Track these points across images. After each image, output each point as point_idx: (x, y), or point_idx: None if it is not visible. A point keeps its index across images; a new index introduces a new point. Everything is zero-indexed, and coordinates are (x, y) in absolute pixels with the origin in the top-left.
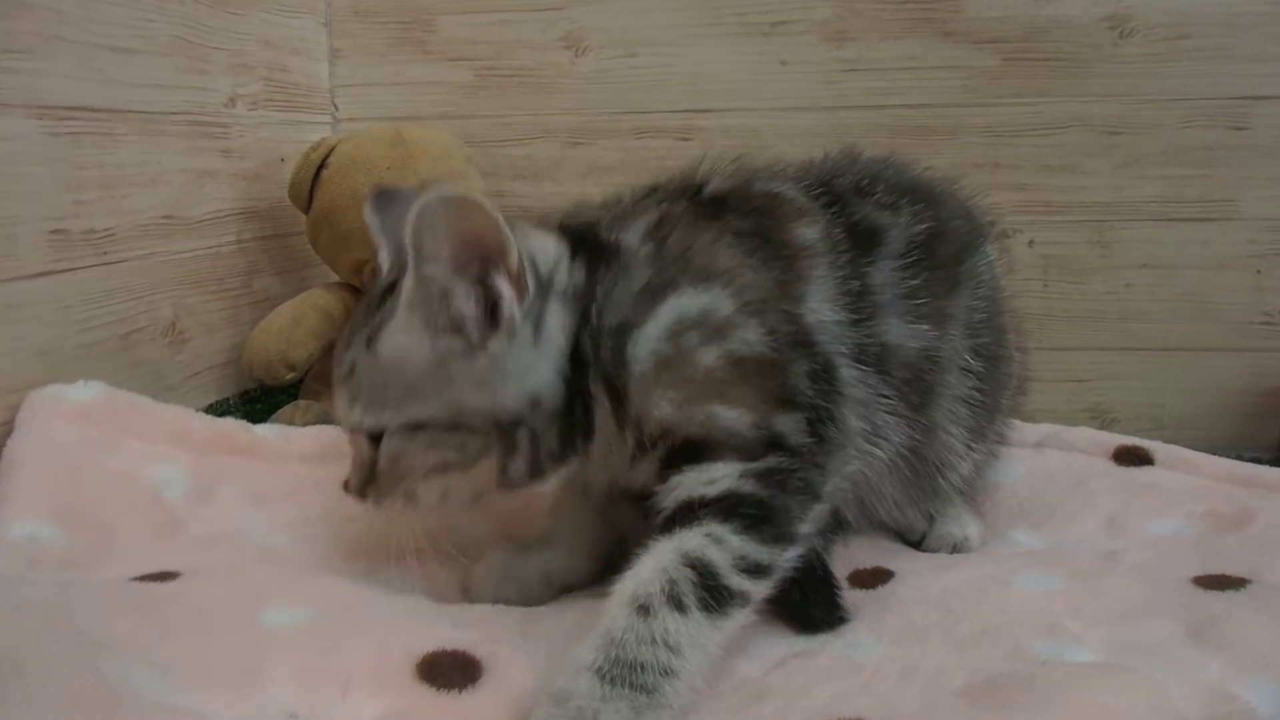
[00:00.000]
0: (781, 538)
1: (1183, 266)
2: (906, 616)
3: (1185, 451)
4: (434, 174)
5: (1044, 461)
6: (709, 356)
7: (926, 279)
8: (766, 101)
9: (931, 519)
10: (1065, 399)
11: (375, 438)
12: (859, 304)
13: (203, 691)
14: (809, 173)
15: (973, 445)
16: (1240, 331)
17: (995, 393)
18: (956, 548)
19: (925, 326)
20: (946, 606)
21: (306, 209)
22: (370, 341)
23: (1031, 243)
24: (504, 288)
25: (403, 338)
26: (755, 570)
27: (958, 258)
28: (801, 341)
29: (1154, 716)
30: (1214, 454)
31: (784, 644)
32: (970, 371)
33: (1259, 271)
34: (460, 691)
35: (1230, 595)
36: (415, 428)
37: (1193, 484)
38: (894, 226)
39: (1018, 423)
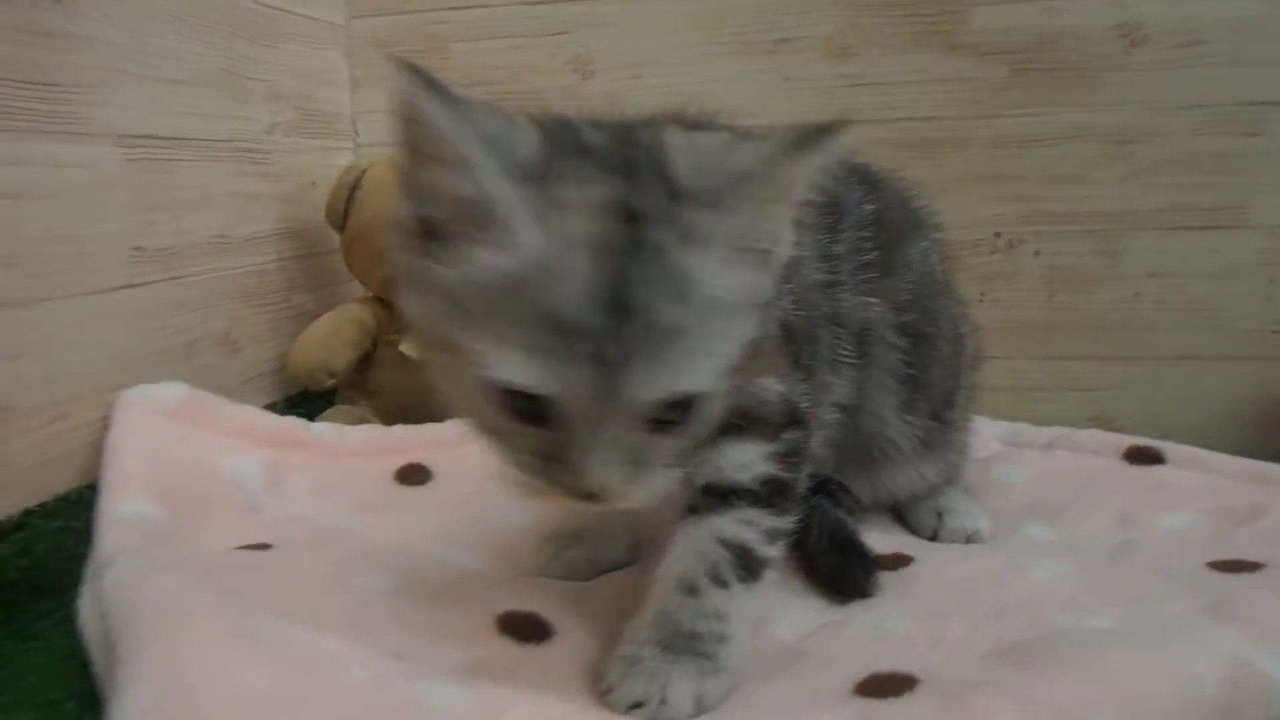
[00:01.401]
0: (795, 505)
1: (1192, 276)
2: (929, 596)
3: (1197, 450)
4: None
5: (1054, 462)
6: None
7: (871, 257)
8: (771, 117)
9: (939, 515)
10: (1071, 408)
11: (683, 405)
12: (832, 269)
13: (324, 634)
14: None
15: (906, 417)
16: (1249, 340)
17: (926, 369)
18: (969, 539)
19: (871, 300)
20: (965, 589)
21: (341, 228)
22: (693, 287)
23: (1037, 253)
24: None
25: (735, 274)
26: (778, 536)
27: (896, 242)
28: (807, 305)
29: (1176, 678)
30: None
31: (815, 615)
32: (896, 347)
33: (1270, 280)
34: (537, 645)
35: (1245, 577)
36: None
37: (1204, 481)
38: (850, 202)
39: (1026, 425)
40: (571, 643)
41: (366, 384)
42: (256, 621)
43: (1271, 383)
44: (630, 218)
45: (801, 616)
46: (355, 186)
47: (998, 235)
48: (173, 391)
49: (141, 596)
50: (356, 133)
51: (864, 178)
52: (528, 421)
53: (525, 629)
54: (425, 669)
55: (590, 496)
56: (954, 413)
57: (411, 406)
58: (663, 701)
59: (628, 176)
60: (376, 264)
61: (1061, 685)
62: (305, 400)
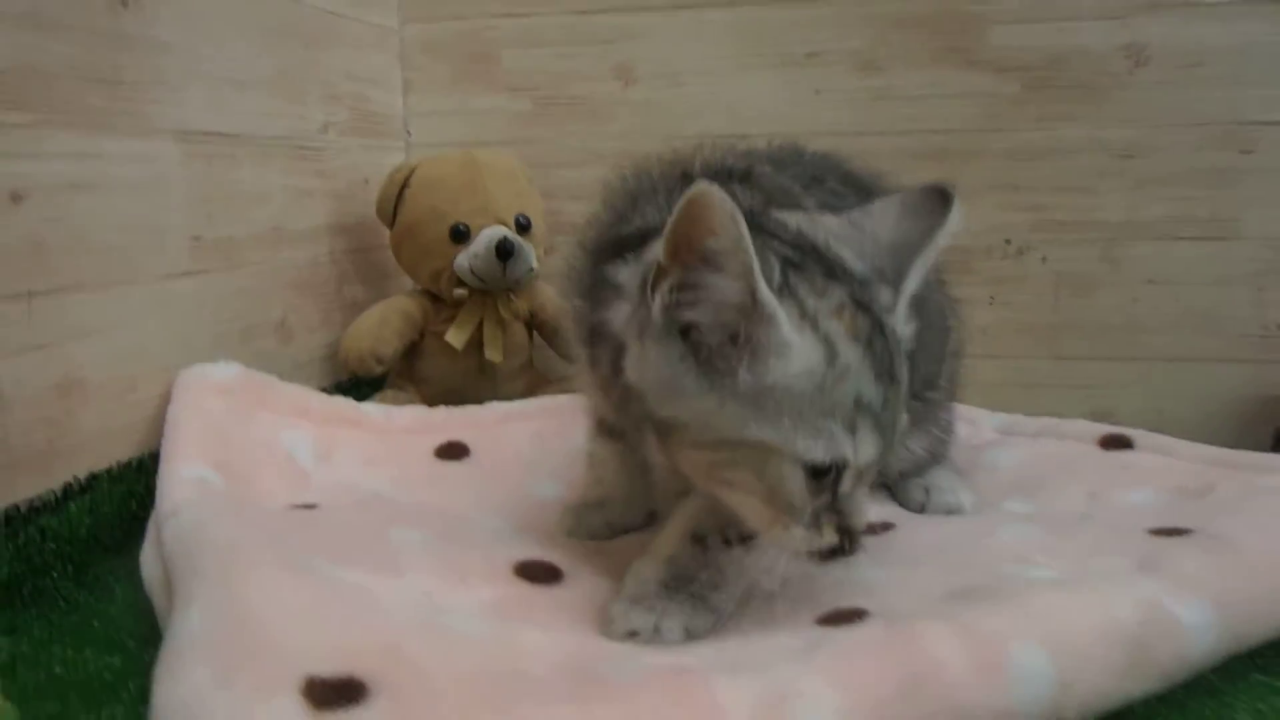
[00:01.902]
0: None
1: (1188, 282)
2: (903, 553)
3: (1163, 438)
4: (502, 194)
5: (1040, 448)
6: None
7: None
8: (801, 126)
9: (927, 491)
10: (1074, 404)
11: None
12: None
13: (365, 575)
14: (776, 158)
15: None
16: (1241, 344)
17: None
18: (952, 511)
19: None
20: (936, 547)
21: (391, 224)
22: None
23: (1045, 259)
24: None
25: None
26: None
27: None
28: None
29: (1094, 614)
30: None
31: (796, 568)
32: None
33: (1260, 288)
34: (549, 585)
35: (1176, 540)
36: None
37: (1167, 464)
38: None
39: (1021, 416)
40: (581, 585)
41: (414, 372)
42: (302, 560)
43: (1261, 382)
44: (863, 308)
45: (784, 570)
46: (405, 185)
47: (1008, 242)
48: (228, 370)
49: (199, 540)
50: (409, 133)
51: (858, 188)
52: (817, 488)
53: (539, 573)
54: (450, 604)
55: (854, 536)
56: (935, 394)
57: (456, 392)
58: (655, 630)
59: (830, 275)
60: (424, 258)
61: (995, 617)
62: (355, 387)
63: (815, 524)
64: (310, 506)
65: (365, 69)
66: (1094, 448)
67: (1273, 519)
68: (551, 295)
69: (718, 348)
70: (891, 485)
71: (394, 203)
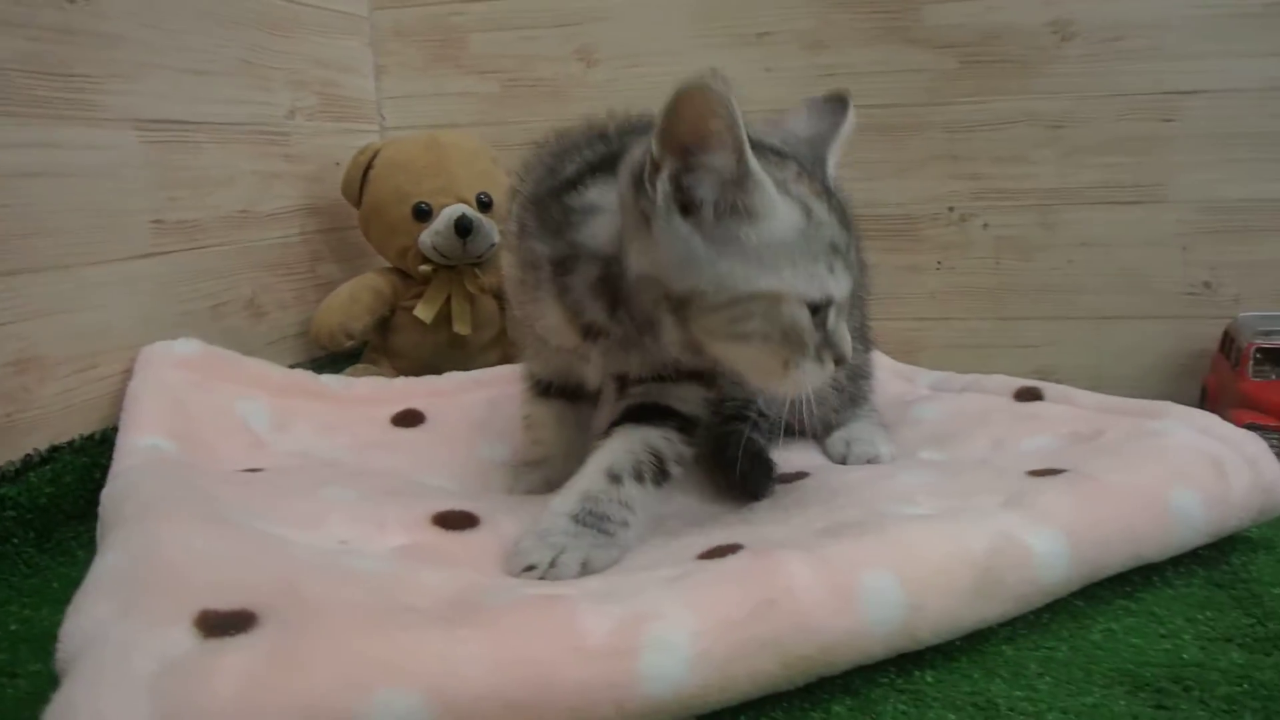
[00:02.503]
0: (698, 443)
1: (1119, 244)
2: (802, 497)
3: (1069, 389)
4: (464, 174)
5: (962, 402)
6: None
7: None
8: (753, 105)
9: (848, 443)
10: (1017, 363)
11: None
12: None
13: (284, 526)
14: None
15: None
16: (1168, 301)
17: None
18: (870, 461)
19: None
20: (834, 491)
21: (358, 204)
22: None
23: (986, 225)
24: None
25: None
26: (682, 461)
27: None
28: None
29: (947, 546)
30: None
31: (704, 511)
32: None
33: (1184, 248)
34: (462, 532)
35: (1047, 479)
36: None
37: (1068, 413)
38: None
39: (951, 374)
40: (496, 529)
41: (388, 347)
42: (223, 513)
43: (1191, 337)
44: (812, 175)
45: (695, 514)
46: (369, 166)
47: (951, 210)
48: (189, 346)
49: (128, 495)
50: (383, 116)
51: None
52: (815, 324)
53: (457, 521)
54: (362, 550)
55: (844, 360)
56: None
57: (429, 366)
58: (552, 565)
59: (777, 154)
60: (391, 236)
61: (852, 547)
62: (330, 363)
63: (818, 357)
64: (256, 471)
65: (335, 55)
66: (1009, 400)
67: (1144, 458)
68: None
69: (718, 218)
70: (817, 438)
71: (359, 184)
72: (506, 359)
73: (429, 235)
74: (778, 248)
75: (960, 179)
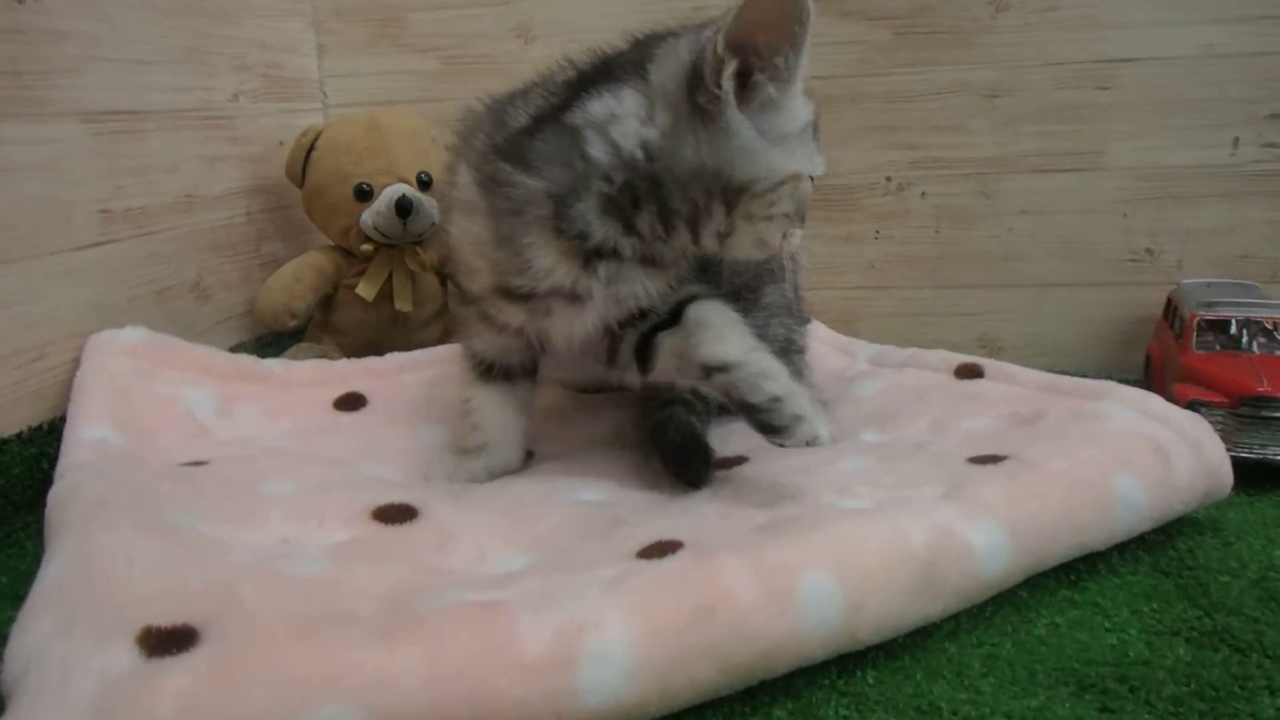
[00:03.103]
0: None
1: (1058, 212)
2: (741, 486)
3: (1012, 367)
4: (404, 153)
5: (902, 378)
6: None
7: None
8: None
9: None
10: (958, 331)
11: None
12: None
13: (224, 526)
14: None
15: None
16: (1110, 269)
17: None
18: (810, 443)
19: None
20: (774, 479)
21: (301, 185)
22: None
23: (924, 194)
24: None
25: None
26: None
27: None
28: None
29: (886, 541)
30: (1088, 377)
31: (647, 500)
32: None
33: (1125, 215)
34: (401, 525)
35: (989, 467)
36: None
37: (1009, 392)
38: None
39: (891, 348)
40: (434, 520)
41: (330, 324)
42: (162, 517)
43: (1132, 303)
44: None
45: (636, 502)
46: (311, 148)
47: (889, 179)
48: (135, 335)
49: (73, 499)
50: (325, 95)
51: None
52: None
53: (395, 514)
54: (301, 548)
55: (805, 219)
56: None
57: (371, 343)
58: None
59: None
60: (333, 216)
61: (789, 547)
62: (275, 341)
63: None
64: (200, 463)
65: (276, 37)
66: (950, 377)
67: (1083, 444)
68: None
69: (762, 111)
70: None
71: (302, 166)
72: (447, 334)
73: (370, 215)
74: (798, 135)
75: (897, 149)
